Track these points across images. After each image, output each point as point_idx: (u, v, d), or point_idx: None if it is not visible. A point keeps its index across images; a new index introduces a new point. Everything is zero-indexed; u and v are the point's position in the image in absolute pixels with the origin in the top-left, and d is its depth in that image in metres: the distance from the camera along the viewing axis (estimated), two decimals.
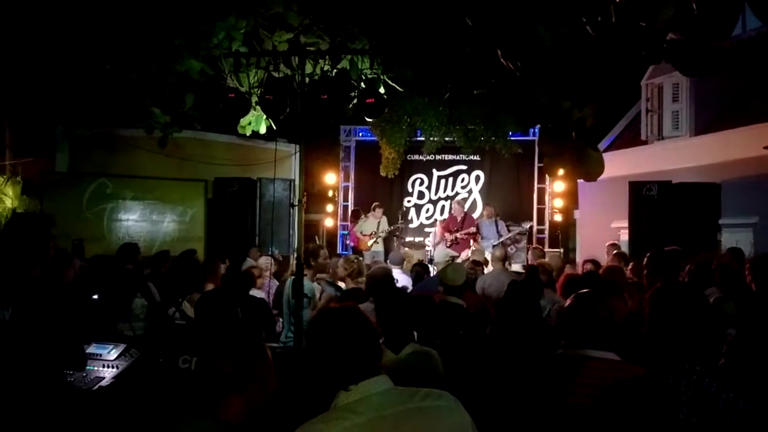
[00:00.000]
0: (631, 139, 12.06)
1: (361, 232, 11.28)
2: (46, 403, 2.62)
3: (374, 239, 11.02)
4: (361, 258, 7.28)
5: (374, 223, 11.20)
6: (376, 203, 11.53)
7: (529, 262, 7.67)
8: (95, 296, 4.49)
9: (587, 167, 3.27)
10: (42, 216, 3.27)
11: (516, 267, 9.64)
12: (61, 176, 10.64)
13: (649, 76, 10.93)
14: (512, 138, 11.83)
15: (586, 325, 2.28)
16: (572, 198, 12.74)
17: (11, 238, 2.81)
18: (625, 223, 9.48)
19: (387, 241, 11.56)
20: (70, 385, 3.21)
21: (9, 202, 12.21)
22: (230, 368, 1.89)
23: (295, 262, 5.83)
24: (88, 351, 3.40)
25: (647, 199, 8.91)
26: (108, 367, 3.48)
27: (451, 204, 12.12)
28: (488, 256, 8.02)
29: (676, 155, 10.32)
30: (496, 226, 10.60)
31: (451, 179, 13.08)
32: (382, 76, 4.99)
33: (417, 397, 1.70)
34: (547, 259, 7.34)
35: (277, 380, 1.99)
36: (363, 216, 11.72)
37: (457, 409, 1.72)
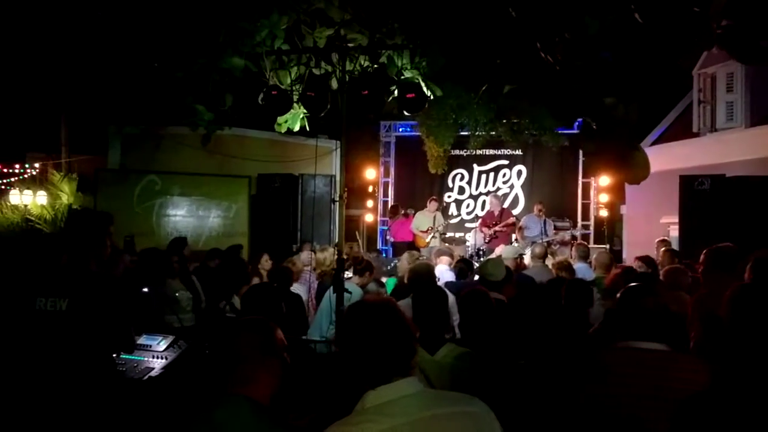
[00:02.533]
0: (681, 131, 11.64)
1: (418, 229, 11.12)
2: (100, 390, 2.72)
3: (432, 234, 10.74)
4: (423, 255, 7.19)
5: (429, 218, 11.01)
6: (433, 197, 11.40)
7: (572, 259, 7.47)
8: (145, 289, 4.64)
9: (631, 170, 3.15)
10: (102, 214, 3.39)
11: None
12: (113, 173, 11.02)
13: (701, 66, 10.52)
14: (559, 131, 11.57)
15: (633, 317, 2.28)
16: (619, 193, 12.40)
17: (72, 233, 2.93)
18: (676, 219, 9.14)
19: None
20: (122, 375, 3.34)
21: (65, 198, 12.75)
22: (253, 340, 1.96)
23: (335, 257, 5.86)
24: (138, 342, 3.52)
25: (699, 194, 8.57)
26: (157, 357, 3.59)
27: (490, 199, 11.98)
28: (528, 252, 7.81)
29: (730, 148, 9.90)
30: (544, 224, 10.36)
31: (492, 174, 12.93)
32: (417, 78, 4.98)
33: (447, 401, 1.64)
34: (594, 256, 7.14)
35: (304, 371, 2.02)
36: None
37: (488, 415, 1.65)
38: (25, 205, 12.81)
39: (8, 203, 12.92)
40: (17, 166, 14.37)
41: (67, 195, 12.85)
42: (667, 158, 10.31)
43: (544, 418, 2.40)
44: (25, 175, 14.36)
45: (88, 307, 2.71)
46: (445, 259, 6.92)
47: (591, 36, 2.68)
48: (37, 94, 12.69)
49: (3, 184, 14.39)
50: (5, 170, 14.34)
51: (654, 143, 11.72)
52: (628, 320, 2.28)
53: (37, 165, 14.44)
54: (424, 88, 5.10)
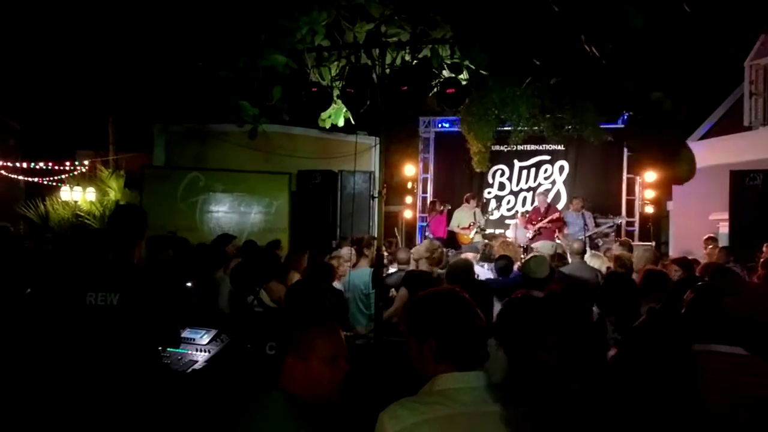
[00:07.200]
0: (732, 124, 11.21)
1: (458, 226, 11.08)
2: (149, 382, 2.79)
3: (474, 230, 10.75)
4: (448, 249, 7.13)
5: (470, 214, 11.02)
6: (469, 194, 11.40)
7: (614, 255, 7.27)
8: (189, 284, 4.74)
9: (677, 168, 3.05)
10: (138, 208, 3.48)
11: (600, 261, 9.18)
12: (158, 170, 11.31)
13: (753, 57, 10.10)
14: (602, 126, 11.28)
15: (710, 319, 2.16)
16: (665, 189, 12.01)
17: (115, 228, 3.00)
18: (725, 215, 8.84)
19: None
20: (167, 367, 3.42)
21: (113, 195, 13.18)
22: (294, 334, 1.94)
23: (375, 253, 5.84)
24: (182, 335, 3.59)
25: (750, 189, 8.26)
26: (201, 351, 3.66)
27: (533, 196, 11.80)
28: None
29: None
30: (584, 218, 10.17)
31: (533, 170, 12.72)
32: (464, 62, 4.88)
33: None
34: (635, 253, 6.93)
35: (350, 365, 1.98)
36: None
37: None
38: (75, 201, 13.29)
39: (59, 199, 13.42)
40: (68, 163, 14.91)
41: (114, 191, 13.27)
42: (716, 153, 9.95)
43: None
44: (75, 172, 14.89)
45: (139, 301, 2.76)
46: (471, 255, 6.93)
47: (636, 29, 2.59)
48: (87, 95, 13.15)
49: (54, 180, 14.97)
50: (56, 167, 14.90)
51: (703, 137, 11.32)
52: (704, 322, 2.16)
53: (86, 162, 14.95)
54: (474, 68, 4.96)
